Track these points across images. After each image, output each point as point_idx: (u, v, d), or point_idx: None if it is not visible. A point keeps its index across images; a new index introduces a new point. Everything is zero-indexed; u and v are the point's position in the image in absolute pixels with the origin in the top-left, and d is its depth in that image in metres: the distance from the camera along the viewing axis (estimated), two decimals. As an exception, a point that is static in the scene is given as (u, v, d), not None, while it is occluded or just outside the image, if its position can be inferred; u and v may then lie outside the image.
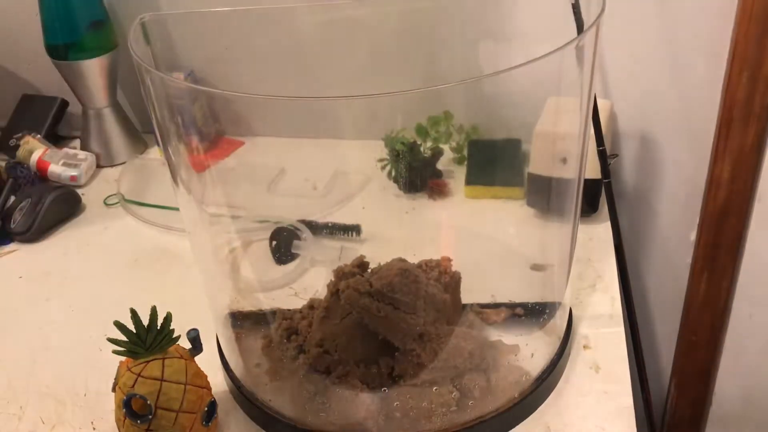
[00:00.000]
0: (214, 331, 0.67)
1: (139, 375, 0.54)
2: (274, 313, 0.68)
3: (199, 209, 0.64)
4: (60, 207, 0.92)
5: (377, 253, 0.66)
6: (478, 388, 0.59)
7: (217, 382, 0.63)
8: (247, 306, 0.71)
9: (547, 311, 0.68)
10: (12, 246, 0.89)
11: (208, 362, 0.60)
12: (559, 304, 0.66)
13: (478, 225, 0.78)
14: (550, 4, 0.70)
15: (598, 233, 0.81)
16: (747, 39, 0.77)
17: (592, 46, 0.54)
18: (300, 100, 0.50)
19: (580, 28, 0.64)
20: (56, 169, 0.98)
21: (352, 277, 0.63)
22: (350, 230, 0.80)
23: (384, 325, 0.59)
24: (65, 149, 1.02)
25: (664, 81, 0.86)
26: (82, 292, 0.80)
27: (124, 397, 0.54)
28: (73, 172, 0.98)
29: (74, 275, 0.83)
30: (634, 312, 0.86)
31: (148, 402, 0.53)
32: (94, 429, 0.62)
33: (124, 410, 0.54)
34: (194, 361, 0.58)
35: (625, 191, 0.95)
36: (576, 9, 0.64)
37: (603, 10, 0.52)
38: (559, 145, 0.71)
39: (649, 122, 0.90)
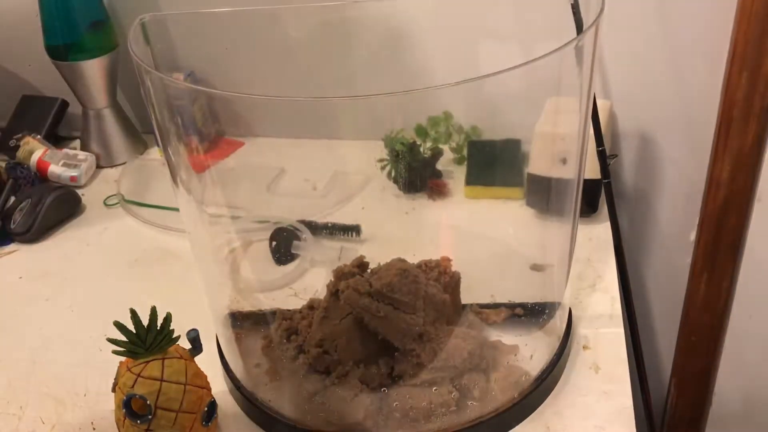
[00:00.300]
0: (214, 332, 0.67)
1: (138, 375, 0.54)
2: (273, 313, 0.68)
3: (199, 209, 0.64)
4: (60, 207, 0.92)
5: (377, 254, 0.66)
6: (478, 388, 0.59)
7: (217, 382, 0.63)
8: (247, 306, 0.71)
9: (547, 311, 0.68)
10: (12, 246, 0.89)
11: (208, 362, 0.60)
12: (559, 304, 0.66)
13: (478, 225, 0.78)
14: (549, 4, 0.70)
15: (598, 233, 0.82)
16: (747, 39, 0.77)
17: (591, 47, 0.54)
18: (300, 101, 0.50)
19: (579, 29, 0.64)
20: (56, 169, 0.98)
21: (352, 277, 0.63)
22: (350, 230, 0.80)
23: (384, 326, 0.59)
24: (65, 150, 1.02)
25: (664, 81, 0.87)
26: (82, 292, 0.80)
27: (124, 398, 0.54)
28: (73, 173, 0.98)
29: (74, 275, 0.83)
30: (634, 312, 0.86)
31: (148, 402, 0.53)
32: (94, 429, 0.62)
33: (124, 410, 0.54)
34: (194, 362, 0.58)
35: (625, 191, 0.95)
36: (575, 9, 0.64)
37: (602, 10, 0.52)
38: (559, 146, 0.71)
39: (648, 122, 0.90)
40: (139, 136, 1.08)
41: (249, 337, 0.67)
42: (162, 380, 0.54)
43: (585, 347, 0.66)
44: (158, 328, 0.55)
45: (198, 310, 0.66)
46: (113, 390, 0.56)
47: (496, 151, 0.79)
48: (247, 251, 0.80)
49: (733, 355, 0.97)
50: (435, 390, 0.58)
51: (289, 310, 0.67)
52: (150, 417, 0.53)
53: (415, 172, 0.82)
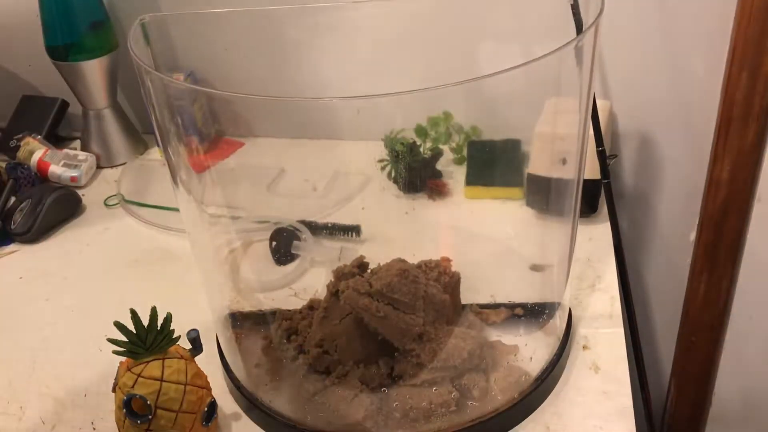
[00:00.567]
0: (214, 332, 0.67)
1: (139, 375, 0.54)
2: (274, 313, 0.68)
3: (199, 210, 0.64)
4: (60, 208, 0.92)
5: (377, 254, 0.66)
6: (478, 388, 0.59)
7: (217, 382, 0.63)
8: (247, 306, 0.71)
9: (547, 311, 0.68)
10: (12, 246, 0.89)
11: (208, 362, 0.60)
12: (559, 304, 0.67)
13: (478, 225, 0.78)
14: (549, 5, 0.70)
15: (598, 233, 0.82)
16: (746, 39, 0.77)
17: (591, 47, 0.54)
18: (300, 101, 0.50)
19: (579, 29, 0.64)
20: (56, 169, 0.98)
21: (352, 277, 0.63)
22: (350, 231, 0.80)
23: (383, 326, 0.59)
24: (65, 150, 1.02)
25: (664, 81, 0.87)
26: (82, 293, 0.80)
27: (124, 398, 0.54)
28: (74, 173, 0.98)
29: (74, 276, 0.83)
30: (634, 312, 0.86)
31: (148, 402, 0.53)
32: (94, 429, 0.62)
33: (124, 410, 0.54)
34: (194, 362, 0.58)
35: (625, 191, 0.95)
36: (575, 9, 0.64)
37: (602, 10, 0.53)
38: (559, 146, 0.71)
39: (648, 122, 0.90)
40: (139, 136, 1.08)
41: (249, 337, 0.67)
42: (162, 380, 0.54)
43: (585, 347, 0.66)
44: (158, 328, 0.55)
45: (198, 310, 0.66)
46: (113, 390, 0.56)
47: (496, 151, 0.80)
48: (247, 251, 0.80)
49: (733, 355, 0.97)
50: (435, 390, 0.58)
51: (289, 310, 0.67)
52: (150, 417, 0.53)
53: (415, 173, 0.82)
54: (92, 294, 0.80)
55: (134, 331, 0.54)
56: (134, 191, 0.96)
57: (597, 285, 0.74)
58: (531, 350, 0.63)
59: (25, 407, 0.65)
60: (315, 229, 0.81)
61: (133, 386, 0.54)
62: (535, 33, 0.72)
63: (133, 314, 0.55)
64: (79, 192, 0.96)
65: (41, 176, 0.99)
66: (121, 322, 0.54)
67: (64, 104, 1.10)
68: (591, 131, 0.74)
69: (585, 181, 0.65)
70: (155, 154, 1.07)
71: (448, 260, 0.67)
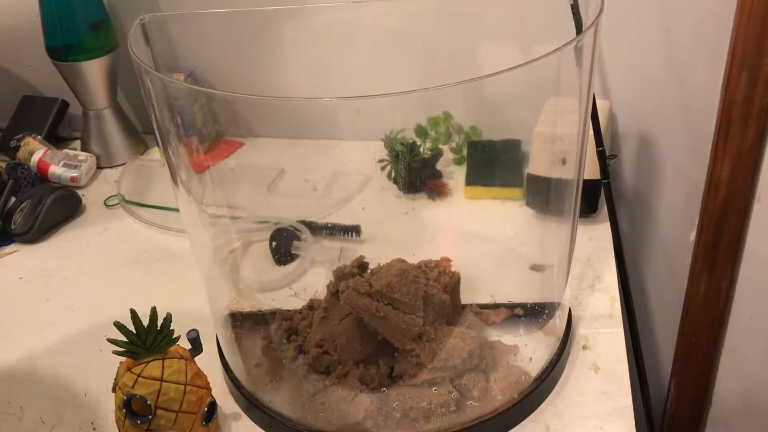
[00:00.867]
0: (214, 332, 0.67)
1: (139, 375, 0.54)
2: (273, 313, 0.68)
3: (199, 210, 0.64)
4: (60, 208, 0.92)
5: (377, 254, 0.66)
6: (478, 388, 0.59)
7: (217, 382, 0.63)
8: (246, 306, 0.71)
9: (547, 311, 0.68)
10: (12, 247, 0.89)
11: (208, 362, 0.60)
12: (559, 304, 0.67)
13: (478, 225, 0.78)
14: (549, 5, 0.70)
15: (598, 234, 0.82)
16: (746, 39, 0.77)
17: (591, 47, 0.54)
18: (300, 101, 0.50)
19: (579, 29, 0.64)
20: (56, 170, 0.98)
21: (352, 277, 0.63)
22: (350, 231, 0.80)
23: (383, 326, 0.59)
24: (65, 150, 1.02)
25: (664, 81, 0.87)
26: (82, 293, 0.80)
27: (124, 398, 0.54)
28: (74, 173, 0.98)
29: (74, 276, 0.83)
30: (634, 312, 0.86)
31: (148, 402, 0.53)
32: (94, 429, 0.62)
33: (124, 410, 0.54)
34: (194, 362, 0.58)
35: (625, 192, 0.95)
36: (575, 9, 0.64)
37: (602, 10, 0.53)
38: (559, 146, 0.71)
39: (648, 122, 0.90)
40: (140, 136, 1.08)
41: (249, 337, 0.67)
42: (162, 380, 0.54)
43: (585, 347, 0.66)
44: (158, 328, 0.55)
45: (198, 310, 0.66)
46: (113, 390, 0.56)
47: (496, 151, 0.80)
48: (247, 251, 0.80)
49: (733, 355, 0.97)
50: (435, 390, 0.58)
51: (289, 311, 0.68)
52: (150, 417, 0.53)
53: (415, 173, 0.82)
54: (92, 294, 0.80)
55: (134, 331, 0.55)
56: (134, 191, 0.96)
57: (597, 285, 0.74)
58: (531, 350, 0.63)
59: (25, 407, 0.65)
60: (315, 229, 0.81)
61: (133, 386, 0.54)
62: (535, 33, 0.72)
63: (133, 314, 0.55)
64: (79, 192, 0.96)
65: (41, 176, 0.99)
66: (121, 322, 0.54)
67: (64, 104, 1.10)
68: (591, 131, 0.74)
69: (585, 181, 0.65)
70: (155, 154, 1.07)
71: (447, 260, 0.67)
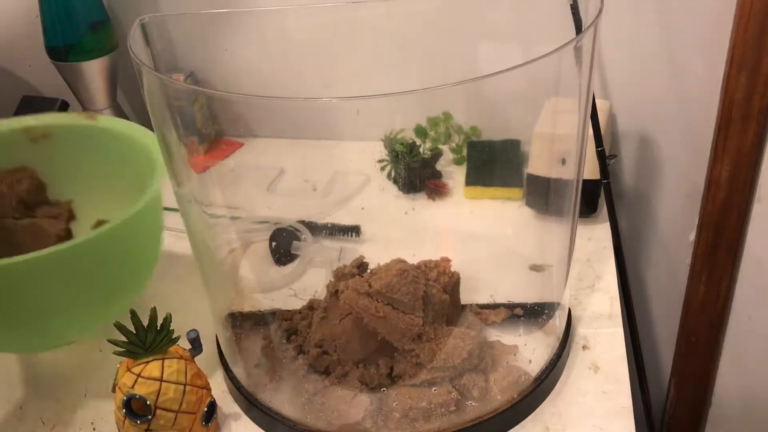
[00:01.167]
0: (213, 332, 0.67)
1: (138, 375, 0.54)
2: (273, 313, 0.68)
3: (199, 210, 0.64)
4: (60, 208, 0.92)
5: (376, 254, 0.66)
6: (477, 388, 0.59)
7: (217, 382, 0.63)
8: (246, 307, 0.71)
9: (546, 311, 0.68)
10: (12, 247, 0.89)
11: (208, 363, 0.60)
12: (558, 304, 0.67)
13: (478, 225, 0.78)
14: (549, 5, 0.70)
15: (597, 234, 0.82)
16: (746, 39, 0.77)
17: (590, 47, 0.54)
18: (299, 101, 0.50)
19: (578, 29, 0.64)
20: (56, 169, 0.98)
21: (352, 277, 0.63)
22: (350, 231, 0.80)
23: (383, 326, 0.59)
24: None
25: (663, 81, 0.87)
26: (82, 293, 0.80)
27: (124, 398, 0.54)
28: (74, 173, 0.98)
29: (74, 276, 0.83)
30: (634, 312, 0.86)
31: (148, 402, 0.53)
32: (94, 429, 0.62)
33: (124, 411, 0.54)
34: (194, 362, 0.58)
35: (624, 192, 0.95)
36: (574, 9, 0.64)
37: (601, 10, 0.53)
38: (558, 146, 0.71)
39: (648, 123, 0.90)
40: (139, 136, 1.08)
41: (249, 337, 0.67)
42: (162, 380, 0.54)
43: (584, 347, 0.66)
44: (158, 328, 0.55)
45: (198, 310, 0.66)
46: (113, 390, 0.56)
47: (496, 151, 0.80)
48: (246, 252, 0.80)
49: (733, 355, 0.97)
50: (434, 390, 0.58)
51: (288, 311, 0.68)
52: (150, 417, 0.53)
53: (415, 173, 0.82)
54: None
55: (134, 332, 0.55)
56: (134, 191, 0.96)
57: (596, 285, 0.74)
58: (530, 350, 0.63)
59: (25, 407, 0.65)
60: (315, 229, 0.81)
61: (133, 386, 0.54)
62: (534, 33, 0.72)
63: (133, 314, 0.55)
64: (79, 192, 0.96)
65: (41, 176, 0.99)
66: (121, 322, 0.54)
67: (64, 105, 1.09)
68: (590, 131, 0.74)
69: (584, 181, 0.65)
70: (155, 154, 1.07)
71: (447, 260, 0.67)
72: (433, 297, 0.61)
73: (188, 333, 0.58)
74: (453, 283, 0.65)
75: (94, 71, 1.00)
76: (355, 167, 0.87)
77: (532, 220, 0.79)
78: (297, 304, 0.69)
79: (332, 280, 0.65)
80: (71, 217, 0.71)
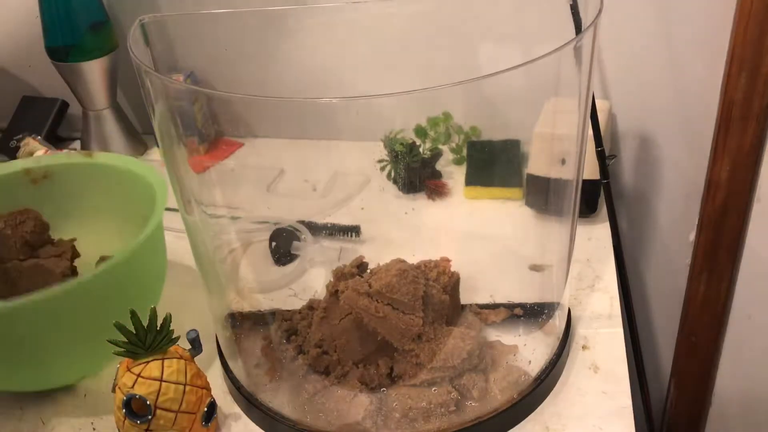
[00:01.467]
0: (213, 332, 0.67)
1: (138, 375, 0.54)
2: (273, 313, 0.68)
3: (198, 210, 0.64)
4: (60, 208, 0.92)
5: (376, 254, 0.66)
6: (477, 388, 0.59)
7: (217, 382, 0.63)
8: (246, 307, 0.71)
9: (546, 311, 0.68)
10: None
11: (207, 363, 0.60)
12: (558, 304, 0.67)
13: (477, 225, 0.78)
14: (549, 5, 0.70)
15: (597, 234, 0.82)
16: (746, 39, 0.77)
17: (590, 47, 0.54)
18: (299, 101, 0.50)
19: (578, 29, 0.64)
20: (56, 170, 0.98)
21: (352, 277, 0.63)
22: (349, 231, 0.80)
23: (383, 326, 0.59)
24: (66, 151, 1.02)
25: (663, 81, 0.87)
26: (82, 293, 0.80)
27: (124, 398, 0.54)
28: (74, 173, 0.98)
29: (74, 276, 0.83)
30: (633, 312, 0.86)
31: (148, 402, 0.53)
32: (94, 429, 0.62)
33: (123, 410, 0.54)
34: (194, 362, 0.58)
35: (624, 192, 0.95)
36: (574, 9, 0.64)
37: (601, 10, 0.53)
38: (558, 146, 0.71)
39: (647, 123, 0.90)
40: (139, 136, 1.08)
41: (249, 337, 0.67)
42: (162, 380, 0.54)
43: (584, 347, 0.66)
44: (158, 328, 0.55)
45: (198, 311, 0.66)
46: (113, 390, 0.56)
47: (496, 151, 0.80)
48: (246, 252, 0.80)
49: (733, 355, 0.97)
50: (434, 390, 0.58)
51: (288, 311, 0.68)
52: (150, 417, 0.53)
53: (415, 173, 0.82)
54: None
55: (134, 332, 0.55)
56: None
57: (596, 285, 0.74)
58: (530, 350, 0.63)
59: (25, 407, 0.65)
60: (315, 229, 0.81)
61: (132, 386, 0.54)
62: (534, 33, 0.72)
63: (133, 314, 0.55)
64: (79, 192, 0.96)
65: (41, 177, 0.99)
66: (121, 322, 0.54)
67: (64, 105, 1.10)
68: (590, 131, 0.74)
69: (584, 181, 0.65)
70: (155, 154, 1.07)
71: (447, 260, 0.67)
72: (433, 297, 0.61)
73: (188, 333, 0.58)
74: (453, 283, 0.65)
75: (94, 71, 1.00)
76: (355, 167, 0.87)
77: (531, 220, 0.79)
78: (297, 304, 0.69)
79: (332, 280, 0.65)
80: (75, 254, 0.72)
